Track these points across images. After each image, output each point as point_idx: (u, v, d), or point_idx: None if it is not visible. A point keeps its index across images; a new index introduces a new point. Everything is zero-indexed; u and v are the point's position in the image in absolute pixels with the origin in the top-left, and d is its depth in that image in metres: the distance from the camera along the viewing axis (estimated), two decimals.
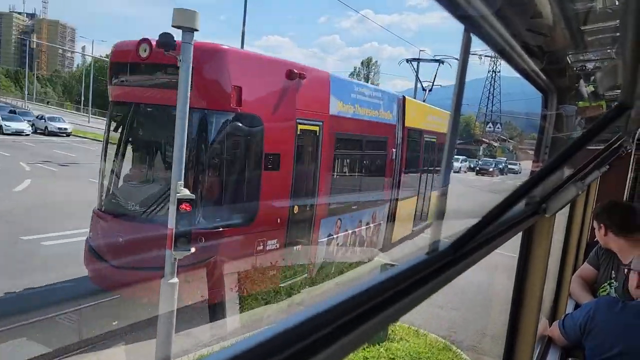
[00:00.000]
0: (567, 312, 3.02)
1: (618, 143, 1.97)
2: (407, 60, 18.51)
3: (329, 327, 0.58)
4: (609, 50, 1.23)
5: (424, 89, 18.44)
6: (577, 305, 3.30)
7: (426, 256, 0.82)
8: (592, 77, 1.38)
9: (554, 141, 1.63)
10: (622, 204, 3.63)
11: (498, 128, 76.72)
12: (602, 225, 3.42)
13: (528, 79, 1.37)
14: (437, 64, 17.48)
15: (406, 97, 13.73)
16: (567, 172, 1.68)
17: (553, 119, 1.55)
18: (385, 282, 0.71)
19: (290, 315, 0.55)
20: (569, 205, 3.19)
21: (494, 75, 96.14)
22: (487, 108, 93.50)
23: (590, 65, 1.37)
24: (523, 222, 1.46)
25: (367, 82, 61.45)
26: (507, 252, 1.82)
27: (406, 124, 13.09)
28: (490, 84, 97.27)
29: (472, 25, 0.81)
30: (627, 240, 3.32)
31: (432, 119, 15.39)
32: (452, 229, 0.89)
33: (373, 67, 63.01)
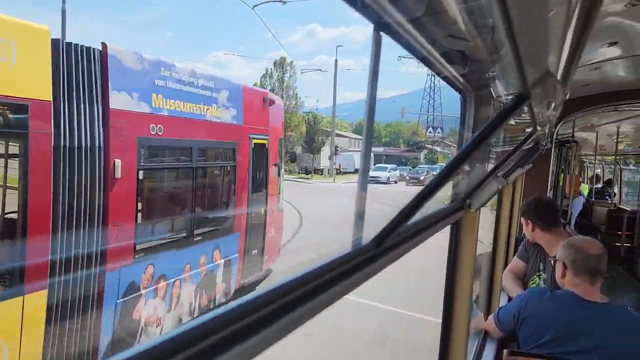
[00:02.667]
0: (500, 306, 3.15)
1: (532, 138, 2.09)
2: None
3: (252, 317, 0.58)
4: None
5: None
6: (509, 299, 3.45)
7: (349, 250, 0.84)
8: (500, 75, 1.46)
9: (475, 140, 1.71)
10: (545, 200, 3.85)
11: (438, 132, 77.89)
12: (528, 221, 3.62)
13: (446, 80, 1.43)
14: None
15: None
16: (489, 168, 1.76)
17: (472, 119, 1.62)
18: (308, 275, 0.72)
19: (217, 308, 0.55)
20: (496, 202, 3.35)
21: (433, 77, 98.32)
22: (428, 112, 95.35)
23: (499, 66, 1.45)
24: (449, 217, 1.52)
25: (282, 84, 53.53)
26: None
27: None
28: (430, 87, 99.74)
29: (380, 23, 0.84)
30: (551, 234, 3.53)
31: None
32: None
33: (288, 68, 56.72)
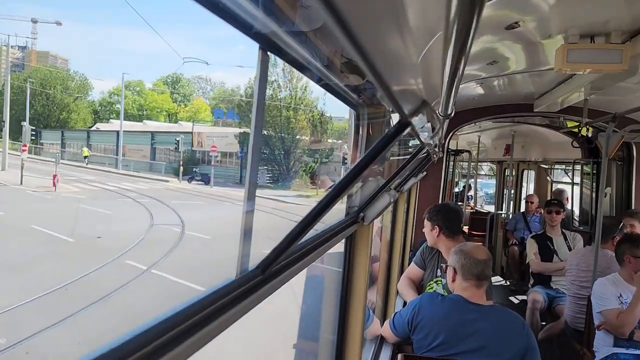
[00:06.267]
0: (396, 311, 3.24)
1: (423, 151, 2.19)
2: None
3: None
4: None
5: None
6: (404, 304, 3.55)
7: (233, 278, 0.80)
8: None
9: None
10: (453, 208, 3.94)
11: None
12: (435, 226, 3.70)
13: (336, 95, 1.43)
14: None
15: None
16: (380, 182, 1.80)
17: (365, 133, 1.64)
18: (190, 308, 0.67)
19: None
20: (391, 210, 3.45)
21: None
22: None
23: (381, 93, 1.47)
24: (343, 231, 1.53)
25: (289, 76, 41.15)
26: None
27: None
28: None
29: (267, 43, 0.81)
30: (454, 241, 3.64)
31: None
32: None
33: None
